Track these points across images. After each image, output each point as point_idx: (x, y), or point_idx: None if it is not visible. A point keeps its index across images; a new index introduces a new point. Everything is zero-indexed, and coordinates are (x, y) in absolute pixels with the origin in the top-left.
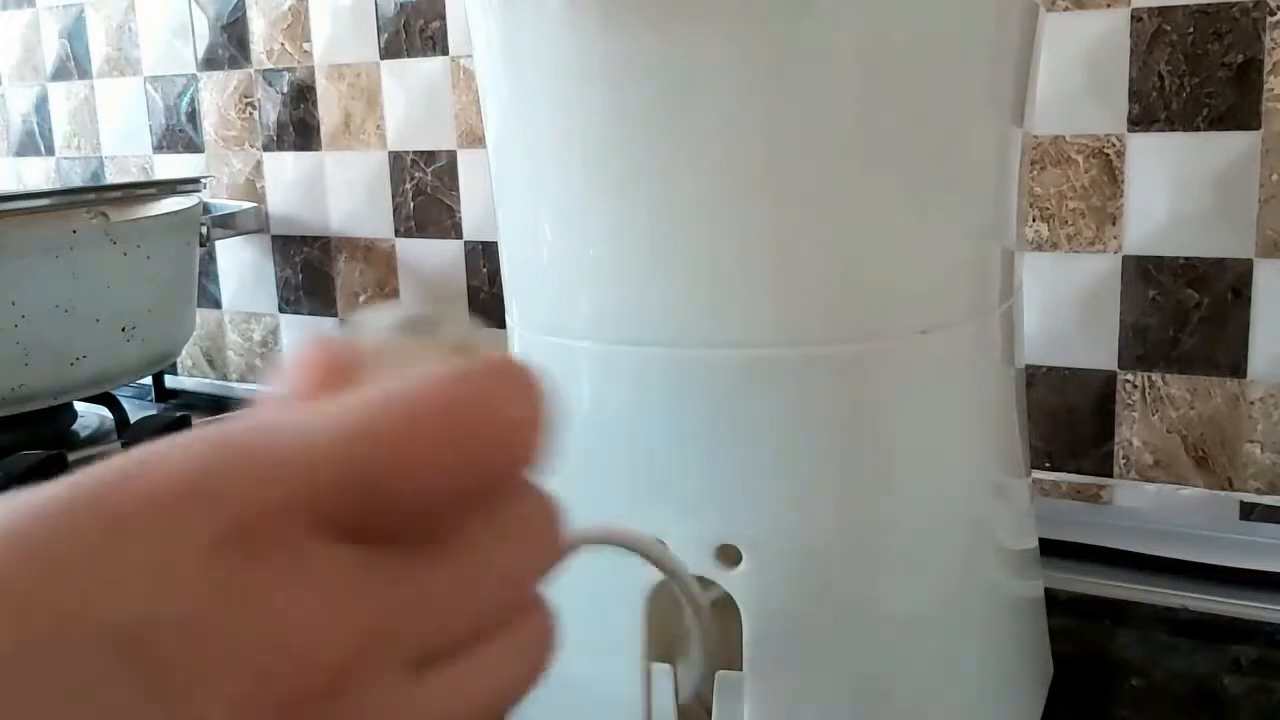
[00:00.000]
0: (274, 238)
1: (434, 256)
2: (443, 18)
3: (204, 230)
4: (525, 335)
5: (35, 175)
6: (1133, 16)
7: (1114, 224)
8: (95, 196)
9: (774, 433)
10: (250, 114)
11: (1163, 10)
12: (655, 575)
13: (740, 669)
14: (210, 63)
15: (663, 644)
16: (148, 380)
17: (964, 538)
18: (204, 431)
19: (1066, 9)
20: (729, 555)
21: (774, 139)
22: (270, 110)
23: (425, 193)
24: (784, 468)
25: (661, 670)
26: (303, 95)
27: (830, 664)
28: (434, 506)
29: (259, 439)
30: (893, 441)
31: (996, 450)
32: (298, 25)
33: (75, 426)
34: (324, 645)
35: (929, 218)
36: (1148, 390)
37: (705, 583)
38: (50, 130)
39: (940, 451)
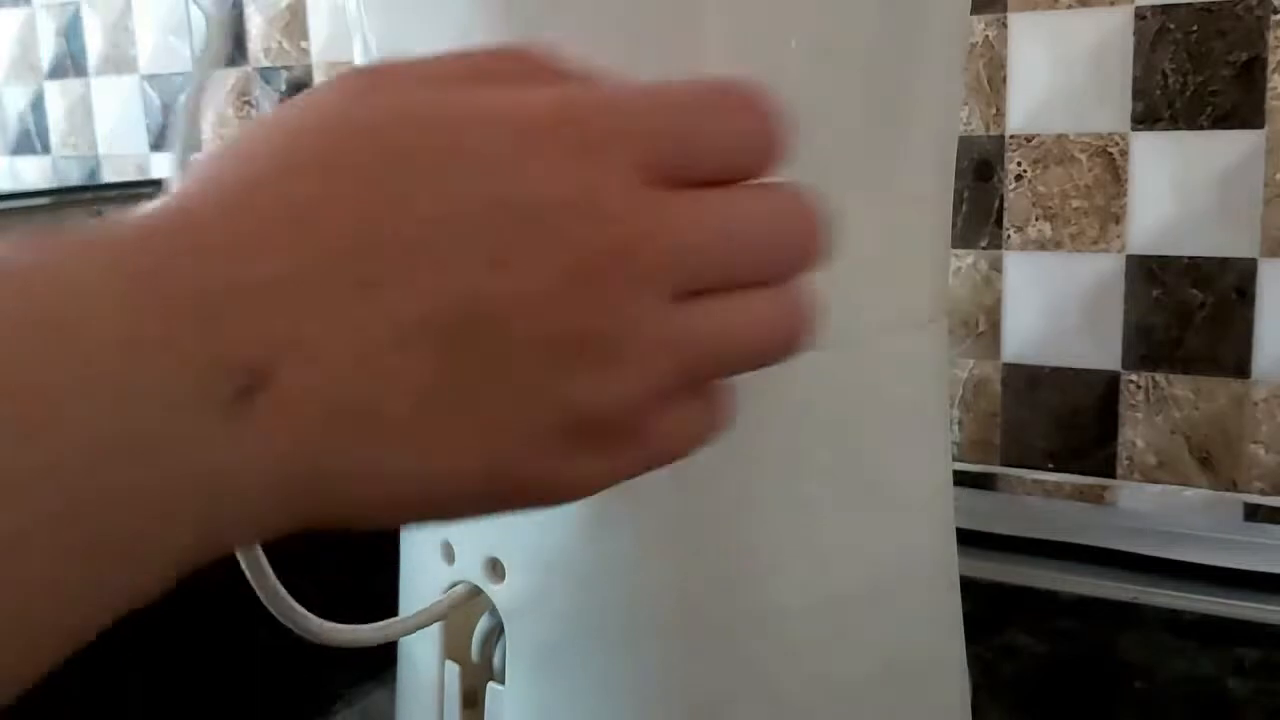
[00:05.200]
0: None
1: None
2: None
3: None
4: None
5: (31, 174)
6: (1136, 15)
7: (1117, 223)
8: (92, 195)
9: None
10: (248, 112)
11: (1166, 8)
12: (451, 577)
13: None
14: None
15: (454, 644)
16: None
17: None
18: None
19: (1070, 7)
20: (497, 569)
21: None
22: (268, 108)
23: None
24: None
25: (451, 668)
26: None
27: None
28: (712, 170)
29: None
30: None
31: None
32: (295, 23)
33: None
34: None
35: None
36: (1151, 391)
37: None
38: (47, 129)
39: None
